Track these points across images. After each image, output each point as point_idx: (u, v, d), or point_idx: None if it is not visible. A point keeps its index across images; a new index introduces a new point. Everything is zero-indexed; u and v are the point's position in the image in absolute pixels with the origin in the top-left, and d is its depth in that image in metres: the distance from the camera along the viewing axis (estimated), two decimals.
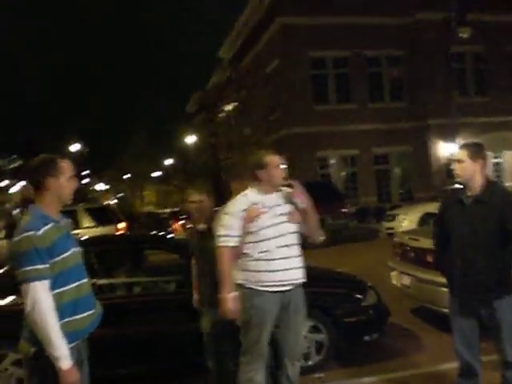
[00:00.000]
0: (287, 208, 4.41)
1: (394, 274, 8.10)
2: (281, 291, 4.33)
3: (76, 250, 3.37)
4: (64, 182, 3.31)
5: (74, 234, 3.56)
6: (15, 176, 76.39)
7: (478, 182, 4.37)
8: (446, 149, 27.09)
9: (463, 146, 4.54)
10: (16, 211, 20.62)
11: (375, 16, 27.68)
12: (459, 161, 4.41)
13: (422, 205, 20.09)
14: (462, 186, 4.51)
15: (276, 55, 28.94)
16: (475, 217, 4.31)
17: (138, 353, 5.83)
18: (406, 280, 7.57)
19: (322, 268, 7.42)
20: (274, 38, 29.05)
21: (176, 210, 44.94)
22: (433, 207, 17.16)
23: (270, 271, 4.27)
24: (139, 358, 5.88)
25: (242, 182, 4.78)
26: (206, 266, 4.82)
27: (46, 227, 3.16)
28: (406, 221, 18.54)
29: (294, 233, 4.40)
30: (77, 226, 16.12)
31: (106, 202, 47.85)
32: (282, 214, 4.36)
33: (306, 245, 4.61)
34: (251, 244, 4.32)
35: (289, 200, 4.45)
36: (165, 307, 5.97)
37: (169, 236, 11.02)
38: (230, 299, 4.25)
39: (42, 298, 3.05)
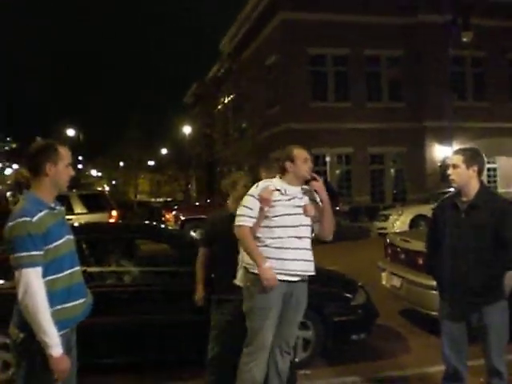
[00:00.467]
0: (304, 201, 4.50)
1: (384, 274, 8.12)
2: (287, 281, 4.37)
3: (70, 237, 3.37)
4: (62, 168, 3.30)
5: (67, 219, 3.56)
6: (9, 158, 76.31)
7: (473, 187, 4.37)
8: (441, 152, 27.20)
9: (459, 151, 4.53)
10: (9, 194, 20.55)
11: (376, 15, 27.75)
12: (454, 166, 4.41)
13: (414, 206, 20.19)
14: (456, 191, 4.52)
15: (275, 50, 28.91)
16: (469, 222, 4.31)
17: (125, 343, 5.84)
18: (396, 281, 7.59)
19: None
20: (275, 33, 29.02)
21: (169, 199, 44.96)
22: (425, 209, 17.27)
23: (279, 259, 4.33)
24: (127, 348, 5.89)
25: (270, 171, 4.92)
26: (230, 251, 4.84)
27: (41, 213, 3.15)
28: (399, 222, 18.64)
29: (306, 226, 4.49)
30: (69, 211, 16.08)
31: (100, 189, 47.80)
32: (298, 206, 4.46)
33: None
34: (265, 228, 4.42)
35: (309, 195, 4.57)
36: (155, 298, 5.97)
37: (162, 226, 11.00)
38: (268, 269, 4.28)
39: (34, 284, 3.05)
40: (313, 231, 4.61)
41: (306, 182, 4.58)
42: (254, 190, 4.53)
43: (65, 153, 3.33)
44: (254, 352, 4.43)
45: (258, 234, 4.43)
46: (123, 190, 56.08)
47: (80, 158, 61.01)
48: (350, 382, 5.74)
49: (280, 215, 4.39)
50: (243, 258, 4.54)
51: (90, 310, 3.47)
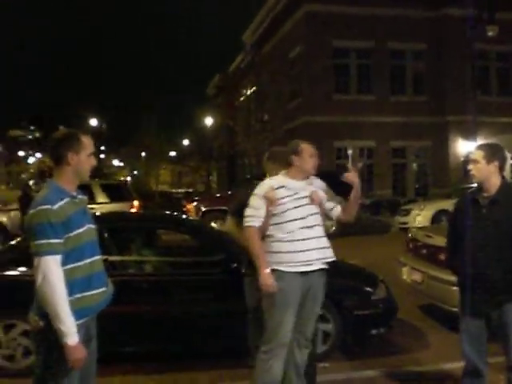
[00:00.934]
0: (309, 191, 4.53)
1: (405, 269, 8.06)
2: (304, 272, 4.37)
3: (91, 226, 3.37)
4: (84, 158, 3.31)
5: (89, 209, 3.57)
6: (33, 147, 77.12)
7: (494, 183, 4.32)
8: (465, 146, 26.91)
9: (479, 147, 4.48)
10: (31, 182, 20.75)
11: (401, 8, 27.45)
12: (474, 161, 4.36)
13: (437, 201, 20.00)
14: (477, 186, 4.47)
15: (299, 42, 28.77)
16: (490, 218, 4.27)
17: (146, 332, 5.87)
18: (418, 276, 7.54)
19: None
20: (299, 25, 28.87)
21: (190, 190, 45.09)
22: (448, 204, 17.10)
23: (292, 252, 4.35)
24: (147, 337, 5.92)
25: (276, 164, 4.90)
26: None
27: (62, 202, 3.16)
28: (420, 216, 18.49)
29: (315, 214, 4.50)
30: (91, 201, 16.22)
31: (122, 179, 48.08)
32: (303, 197, 4.48)
33: None
34: (275, 225, 4.44)
35: (316, 184, 4.63)
36: (177, 287, 5.99)
37: (184, 216, 11.03)
38: (268, 275, 4.33)
39: (52, 272, 3.06)
40: (329, 217, 4.68)
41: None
42: (259, 189, 4.55)
43: (87, 142, 3.34)
44: (274, 349, 4.43)
45: (269, 232, 4.45)
46: (145, 181, 56.37)
47: (102, 147, 61.43)
48: (368, 376, 5.72)
49: (287, 210, 4.42)
50: None
51: (110, 299, 3.47)
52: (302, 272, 4.37)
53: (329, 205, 4.71)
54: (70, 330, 3.08)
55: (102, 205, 16.69)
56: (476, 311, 4.43)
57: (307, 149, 4.59)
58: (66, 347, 3.08)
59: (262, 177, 5.01)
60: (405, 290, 7.95)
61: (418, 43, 28.55)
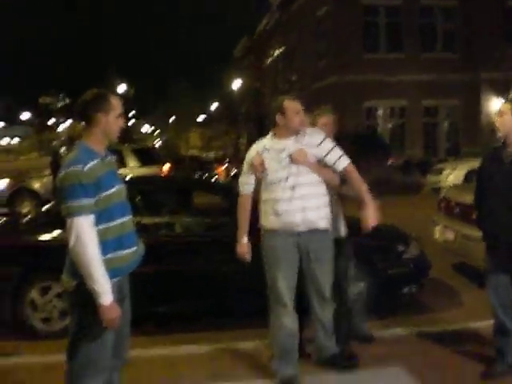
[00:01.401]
0: (293, 150, 4.38)
1: (437, 228, 8.01)
2: (293, 232, 4.38)
3: (121, 186, 3.38)
4: (113, 118, 3.31)
5: (120, 173, 3.58)
6: (63, 114, 77.66)
7: None
8: (498, 104, 26.35)
9: (508, 100, 4.39)
10: (63, 149, 20.92)
11: None
12: (501, 113, 4.28)
13: (469, 161, 19.69)
14: (502, 143, 4.39)
15: (327, 0, 28.23)
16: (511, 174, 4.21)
17: (178, 291, 5.95)
18: (450, 235, 7.49)
19: None
20: None
21: (220, 154, 45.17)
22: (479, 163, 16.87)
23: (276, 213, 4.36)
24: (180, 297, 6.00)
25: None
26: None
27: (92, 162, 3.17)
28: (452, 176, 18.25)
29: (298, 174, 4.36)
30: (122, 165, 16.38)
31: (152, 144, 48.31)
32: (286, 157, 4.39)
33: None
34: (263, 188, 4.48)
35: (304, 141, 4.44)
36: (207, 248, 6.03)
37: (213, 179, 11.09)
38: (244, 245, 4.56)
39: (85, 232, 3.08)
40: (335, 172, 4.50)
41: None
42: (248, 155, 4.57)
43: (116, 103, 3.33)
44: (273, 307, 4.50)
45: (262, 196, 4.48)
46: (175, 145, 56.57)
47: (132, 113, 61.61)
48: (400, 334, 5.72)
49: (271, 171, 4.38)
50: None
51: (140, 259, 3.49)
52: (291, 232, 4.37)
53: (330, 158, 4.44)
54: (104, 289, 3.10)
55: (133, 169, 16.83)
56: (501, 268, 4.39)
57: (291, 106, 4.38)
58: (100, 307, 3.10)
59: None
60: (437, 249, 7.90)
61: (448, 0, 27.82)
